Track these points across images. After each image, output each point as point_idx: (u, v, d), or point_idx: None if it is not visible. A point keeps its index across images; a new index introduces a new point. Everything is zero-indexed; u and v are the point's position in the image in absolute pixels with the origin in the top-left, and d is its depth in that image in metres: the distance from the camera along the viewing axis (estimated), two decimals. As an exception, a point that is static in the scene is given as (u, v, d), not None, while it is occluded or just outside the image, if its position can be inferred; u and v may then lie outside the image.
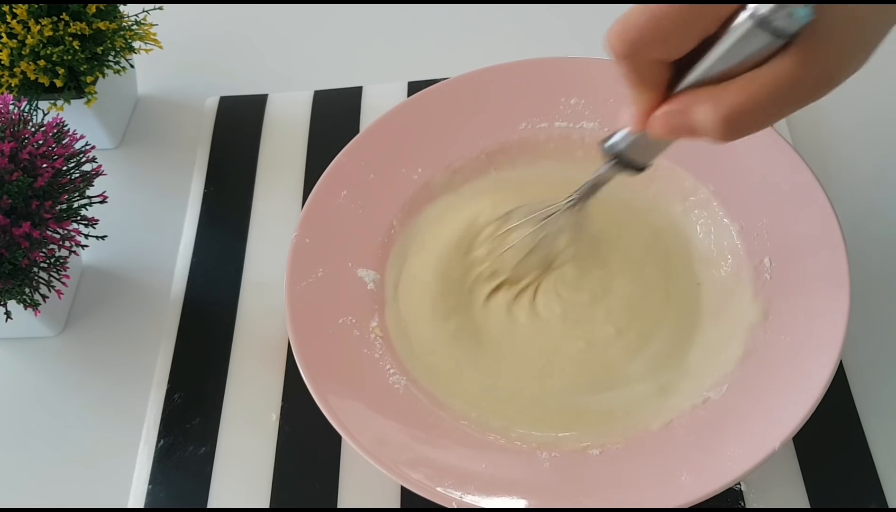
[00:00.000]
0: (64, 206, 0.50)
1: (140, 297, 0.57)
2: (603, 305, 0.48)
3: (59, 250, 0.50)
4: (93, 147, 0.52)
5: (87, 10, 0.57)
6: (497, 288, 0.49)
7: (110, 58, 0.59)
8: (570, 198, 0.46)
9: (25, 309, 0.49)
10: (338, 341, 0.47)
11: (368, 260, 0.51)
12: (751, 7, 0.29)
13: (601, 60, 0.55)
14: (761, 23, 0.29)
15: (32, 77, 0.56)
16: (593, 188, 0.45)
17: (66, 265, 0.50)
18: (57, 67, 0.56)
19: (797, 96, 0.31)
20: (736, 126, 0.31)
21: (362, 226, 0.52)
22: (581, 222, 0.48)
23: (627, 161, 0.40)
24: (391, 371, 0.46)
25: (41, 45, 0.56)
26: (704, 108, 0.32)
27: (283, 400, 0.50)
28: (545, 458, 0.42)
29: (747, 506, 0.44)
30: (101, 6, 0.58)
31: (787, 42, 0.30)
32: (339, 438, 0.46)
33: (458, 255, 0.51)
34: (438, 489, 0.41)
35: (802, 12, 0.29)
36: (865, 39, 0.31)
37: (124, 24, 0.60)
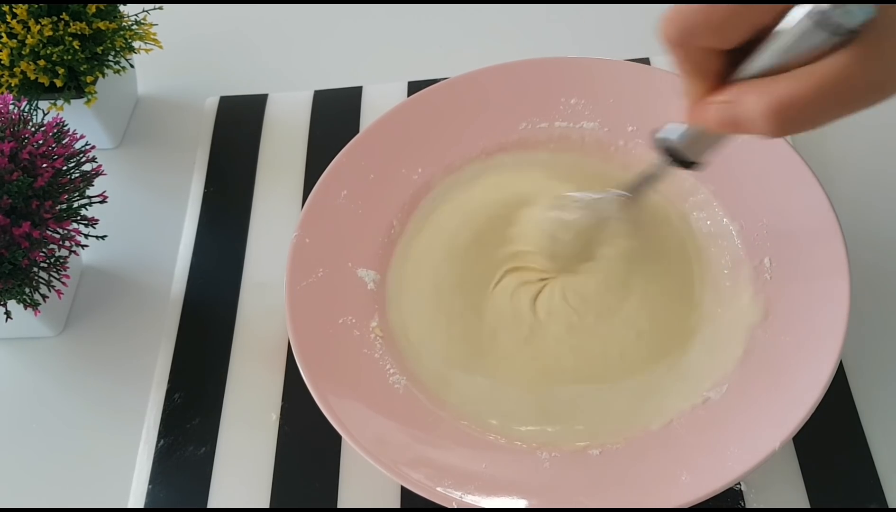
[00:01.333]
0: (64, 206, 0.50)
1: (140, 297, 0.57)
2: (606, 304, 0.48)
3: (59, 250, 0.50)
4: (93, 147, 0.52)
5: (87, 10, 0.57)
6: (510, 280, 0.49)
7: (110, 58, 0.59)
8: (621, 191, 0.45)
9: (25, 309, 0.49)
10: (338, 341, 0.47)
11: (368, 260, 0.51)
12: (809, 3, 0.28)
13: (601, 60, 0.55)
14: (819, 19, 0.28)
15: (32, 77, 0.56)
16: (645, 181, 0.43)
17: (66, 265, 0.50)
18: (57, 67, 0.56)
19: (850, 96, 0.29)
20: (784, 119, 0.30)
21: (362, 226, 0.52)
22: (631, 220, 0.46)
23: (678, 155, 0.39)
24: (391, 371, 0.46)
25: (41, 45, 0.56)
26: (753, 98, 0.31)
27: (283, 400, 0.50)
28: (545, 458, 0.42)
29: (747, 506, 0.44)
30: (101, 6, 0.58)
31: (845, 40, 0.28)
32: (339, 438, 0.46)
33: (469, 254, 0.50)
34: (438, 489, 0.41)
35: (862, 10, 0.27)
36: None
37: (124, 24, 0.60)
